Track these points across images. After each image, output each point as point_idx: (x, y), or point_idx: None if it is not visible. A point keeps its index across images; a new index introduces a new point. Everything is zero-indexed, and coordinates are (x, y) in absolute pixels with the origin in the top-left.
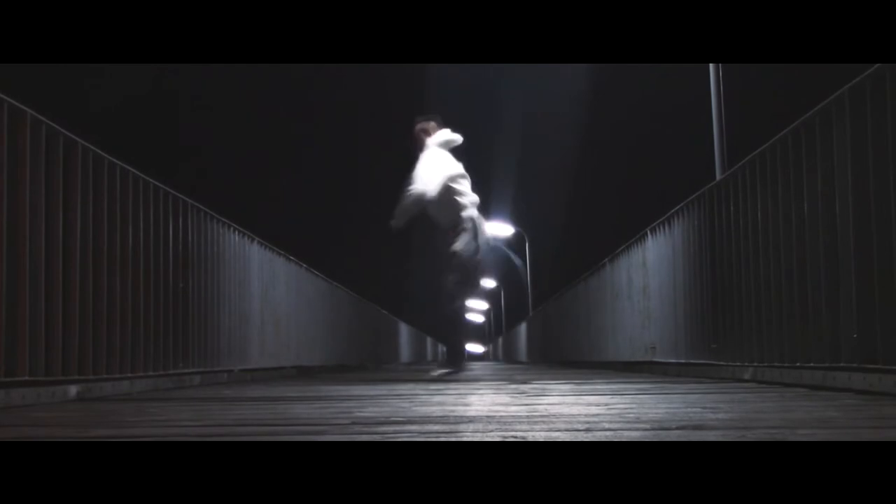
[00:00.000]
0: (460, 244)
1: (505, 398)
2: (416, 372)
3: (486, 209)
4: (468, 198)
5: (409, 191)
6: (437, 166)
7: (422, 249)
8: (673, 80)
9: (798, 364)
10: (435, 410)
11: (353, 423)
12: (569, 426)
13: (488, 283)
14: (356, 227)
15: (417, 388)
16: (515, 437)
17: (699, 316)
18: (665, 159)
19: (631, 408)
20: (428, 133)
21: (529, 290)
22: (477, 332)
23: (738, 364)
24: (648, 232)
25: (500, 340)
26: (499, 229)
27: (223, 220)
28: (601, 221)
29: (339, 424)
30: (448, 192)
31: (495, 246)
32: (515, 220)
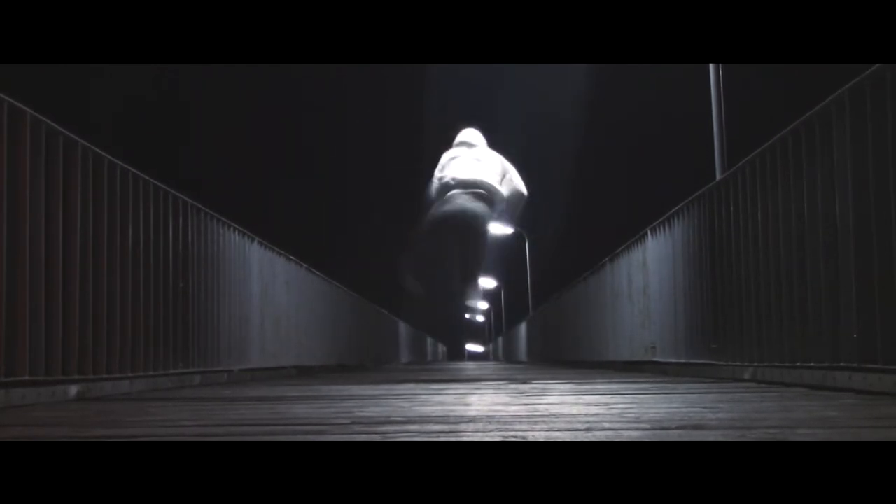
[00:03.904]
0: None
1: (505, 398)
2: (419, 372)
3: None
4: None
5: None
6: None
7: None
8: (673, 80)
9: (798, 364)
10: (435, 410)
11: (353, 423)
12: (569, 426)
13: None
14: (356, 227)
15: (417, 388)
16: (515, 436)
17: (699, 316)
18: (665, 159)
19: (631, 407)
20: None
21: (529, 290)
22: (477, 332)
23: (738, 364)
24: (648, 232)
25: (500, 340)
26: (499, 229)
27: (223, 219)
28: (601, 221)
29: (339, 424)
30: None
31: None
32: (515, 219)
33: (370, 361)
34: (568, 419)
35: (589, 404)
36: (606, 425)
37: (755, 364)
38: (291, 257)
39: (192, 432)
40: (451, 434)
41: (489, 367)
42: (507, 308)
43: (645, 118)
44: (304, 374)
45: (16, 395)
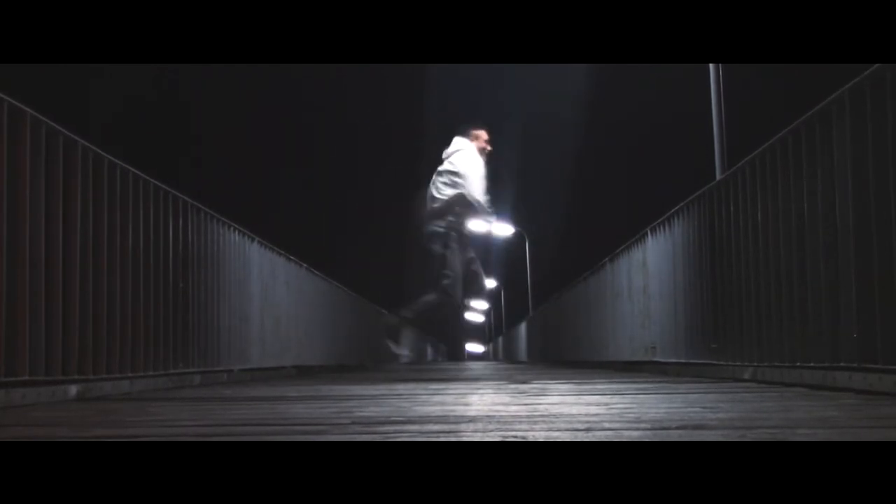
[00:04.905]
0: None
1: (505, 398)
2: (420, 372)
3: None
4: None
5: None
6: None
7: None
8: (673, 80)
9: (798, 364)
10: (435, 410)
11: (353, 423)
12: (569, 426)
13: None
14: (356, 227)
15: (417, 388)
16: (515, 436)
17: (699, 316)
18: (665, 159)
19: (631, 407)
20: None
21: (529, 290)
22: (477, 332)
23: (738, 364)
24: (648, 232)
25: (500, 340)
26: (498, 229)
27: (223, 219)
28: (601, 221)
29: (339, 424)
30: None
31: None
32: (516, 219)
33: (370, 361)
34: (568, 419)
35: (589, 404)
36: (606, 425)
37: (755, 364)
38: (291, 257)
39: (192, 432)
40: (451, 434)
41: (489, 367)
42: (507, 308)
43: (645, 118)
44: (304, 374)
45: (16, 395)
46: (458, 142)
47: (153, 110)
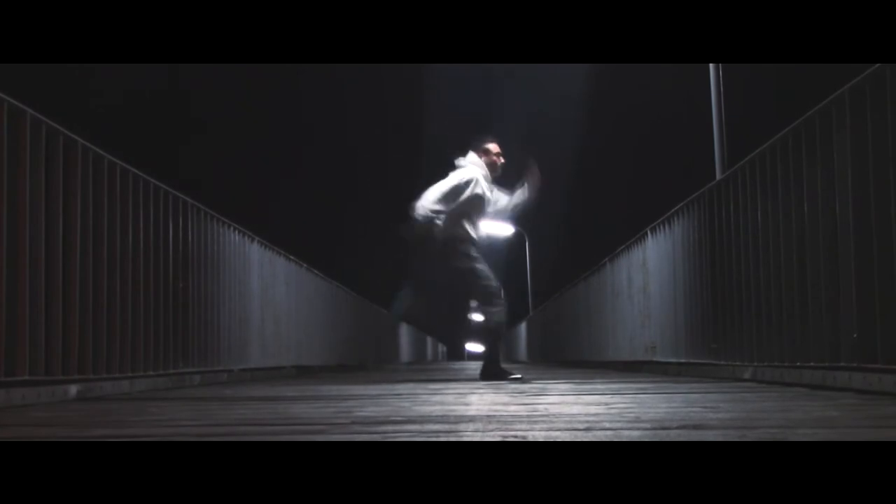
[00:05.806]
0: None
1: (505, 398)
2: (420, 372)
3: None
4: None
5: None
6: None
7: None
8: (673, 80)
9: (798, 364)
10: (435, 410)
11: (353, 423)
12: (569, 426)
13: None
14: (356, 227)
15: (417, 388)
16: (515, 436)
17: (699, 316)
18: (665, 159)
19: (631, 407)
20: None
21: (529, 290)
22: (477, 332)
23: (738, 364)
24: (648, 232)
25: None
26: (498, 229)
27: (223, 219)
28: (601, 221)
29: (339, 424)
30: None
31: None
32: (515, 219)
33: (370, 361)
34: (568, 419)
35: (589, 404)
36: (606, 425)
37: (755, 364)
38: (291, 257)
39: (192, 432)
40: (450, 434)
41: None
42: (506, 308)
43: (645, 118)
44: (304, 374)
45: (16, 395)
46: (468, 157)
47: (153, 110)
